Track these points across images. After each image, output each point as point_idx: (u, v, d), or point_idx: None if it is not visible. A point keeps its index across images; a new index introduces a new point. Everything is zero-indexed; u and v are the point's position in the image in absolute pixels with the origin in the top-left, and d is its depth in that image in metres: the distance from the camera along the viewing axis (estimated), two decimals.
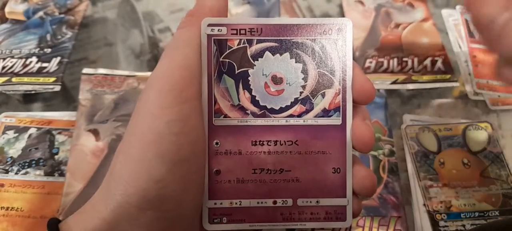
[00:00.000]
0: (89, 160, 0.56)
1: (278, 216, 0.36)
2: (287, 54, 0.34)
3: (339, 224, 0.36)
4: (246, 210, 0.36)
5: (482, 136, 0.58)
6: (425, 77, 0.62)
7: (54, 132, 0.59)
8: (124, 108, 0.60)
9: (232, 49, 0.34)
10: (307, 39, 0.34)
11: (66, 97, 0.63)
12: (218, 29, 0.34)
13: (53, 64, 0.62)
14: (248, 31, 0.34)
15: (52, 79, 0.61)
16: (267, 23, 0.34)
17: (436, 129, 0.59)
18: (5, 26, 0.68)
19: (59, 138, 0.59)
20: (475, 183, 0.54)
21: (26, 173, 0.55)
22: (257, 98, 0.35)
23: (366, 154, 0.56)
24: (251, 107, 0.35)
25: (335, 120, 0.35)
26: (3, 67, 0.62)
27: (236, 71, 0.35)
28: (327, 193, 0.36)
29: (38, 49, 0.64)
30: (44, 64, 0.62)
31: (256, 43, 0.34)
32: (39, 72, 0.62)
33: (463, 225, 0.51)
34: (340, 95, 0.35)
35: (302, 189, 0.36)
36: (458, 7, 0.73)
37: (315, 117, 0.35)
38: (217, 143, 0.35)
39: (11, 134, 0.59)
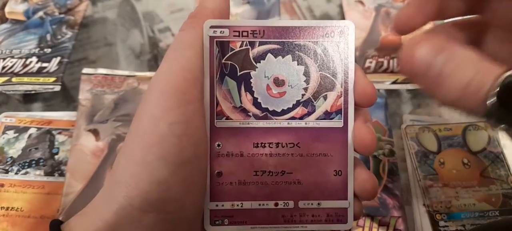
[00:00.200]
0: (89, 160, 0.56)
1: (279, 218, 0.36)
2: (289, 57, 0.34)
3: (340, 227, 0.36)
4: (248, 212, 0.36)
5: (482, 136, 0.58)
6: None
7: (54, 132, 0.59)
8: (124, 108, 0.60)
9: (234, 51, 0.34)
10: (309, 41, 0.34)
11: (66, 97, 0.63)
12: (220, 31, 0.34)
13: (53, 64, 0.62)
14: (250, 33, 0.34)
15: (52, 79, 0.61)
16: (270, 25, 0.34)
17: (436, 129, 0.59)
18: (5, 26, 0.68)
19: (59, 138, 0.59)
20: (475, 183, 0.54)
21: (26, 173, 0.55)
22: (259, 100, 0.35)
23: (367, 156, 0.56)
24: (253, 110, 0.35)
25: (337, 122, 0.35)
26: (3, 67, 0.62)
27: (238, 73, 0.35)
28: (328, 195, 0.36)
29: (38, 49, 0.64)
30: (44, 64, 0.62)
31: (258, 45, 0.34)
32: (39, 72, 0.61)
33: (463, 225, 0.51)
34: (342, 98, 0.35)
35: (304, 191, 0.36)
36: None
37: (317, 119, 0.35)
38: (219, 145, 0.35)
39: (11, 134, 0.59)
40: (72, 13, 0.70)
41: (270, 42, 0.34)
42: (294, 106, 0.35)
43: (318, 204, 0.36)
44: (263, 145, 0.35)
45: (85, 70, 0.63)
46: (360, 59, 0.64)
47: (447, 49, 0.29)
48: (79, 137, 0.57)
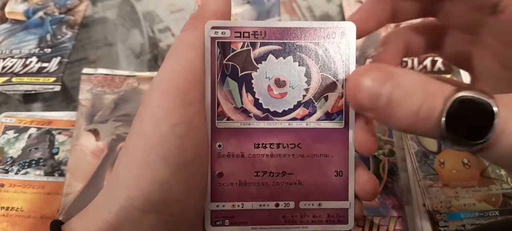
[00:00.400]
0: (89, 160, 0.56)
1: (280, 218, 0.36)
2: (290, 58, 0.34)
3: (341, 227, 0.36)
4: (248, 212, 0.36)
5: None
6: None
7: (54, 132, 0.59)
8: (124, 108, 0.60)
9: (236, 52, 0.34)
10: (311, 42, 0.34)
11: (66, 97, 0.63)
12: (222, 32, 0.34)
13: (53, 64, 0.62)
14: (251, 34, 0.34)
15: (52, 79, 0.61)
16: (271, 26, 0.34)
17: None
18: (5, 26, 0.68)
19: (59, 138, 0.59)
20: (475, 183, 0.54)
21: (26, 173, 0.55)
22: (260, 101, 0.35)
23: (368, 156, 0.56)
24: (254, 110, 0.35)
25: (338, 123, 0.35)
26: (3, 67, 0.62)
27: (240, 74, 0.35)
28: (329, 196, 0.36)
29: (38, 49, 0.64)
30: (44, 64, 0.62)
31: (260, 46, 0.34)
32: (39, 72, 0.61)
33: (463, 225, 0.51)
34: (343, 99, 0.35)
35: (304, 191, 0.36)
36: None
37: (318, 120, 0.35)
38: (220, 146, 0.35)
39: (11, 134, 0.59)
40: (72, 13, 0.70)
41: (271, 43, 0.34)
42: (295, 107, 0.35)
43: (319, 204, 0.36)
44: (264, 145, 0.35)
45: (85, 70, 0.63)
46: (360, 59, 0.64)
47: (393, 77, 0.28)
48: (79, 137, 0.57)
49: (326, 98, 0.35)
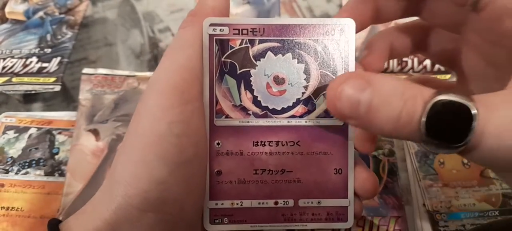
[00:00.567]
0: (89, 160, 0.56)
1: (279, 216, 0.36)
2: (289, 55, 0.34)
3: (340, 225, 0.36)
4: (247, 210, 0.36)
5: None
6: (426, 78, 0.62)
7: (54, 132, 0.59)
8: (124, 108, 0.60)
9: (234, 49, 0.34)
10: (310, 39, 0.34)
11: (66, 97, 0.63)
12: (220, 29, 0.34)
13: (53, 64, 0.62)
14: (250, 31, 0.34)
15: (52, 79, 0.61)
16: (269, 23, 0.34)
17: None
18: (5, 26, 0.68)
19: (59, 138, 0.59)
20: (475, 183, 0.54)
21: (26, 173, 0.55)
22: (259, 98, 0.35)
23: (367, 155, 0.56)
24: (253, 108, 0.35)
25: (337, 121, 0.35)
26: (3, 67, 0.62)
27: (238, 72, 0.34)
28: (328, 194, 0.36)
29: (38, 49, 0.64)
30: (44, 64, 0.62)
31: (258, 43, 0.34)
32: (39, 72, 0.62)
33: (463, 225, 0.51)
34: None
35: (304, 189, 0.36)
36: None
37: (317, 117, 0.35)
38: (218, 143, 0.35)
39: (11, 134, 0.59)
40: (72, 13, 0.70)
41: (270, 40, 0.34)
42: (294, 105, 0.35)
43: (318, 202, 0.36)
44: (263, 143, 0.35)
45: (85, 70, 0.63)
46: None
47: (372, 84, 0.28)
48: (79, 137, 0.57)
49: (325, 96, 0.35)
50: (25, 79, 0.61)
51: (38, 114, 0.61)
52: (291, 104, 0.35)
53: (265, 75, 0.34)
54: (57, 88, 0.60)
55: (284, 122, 0.35)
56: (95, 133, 0.58)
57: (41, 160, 0.56)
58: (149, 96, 0.32)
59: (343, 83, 0.29)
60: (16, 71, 0.62)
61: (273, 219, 0.36)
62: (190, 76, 0.33)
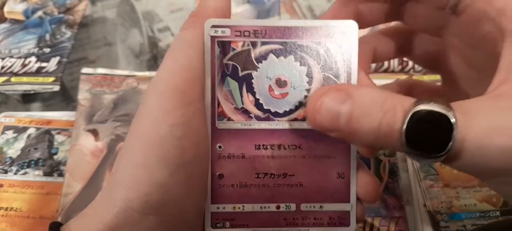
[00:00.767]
0: (88, 160, 0.56)
1: (281, 221, 0.36)
2: (291, 57, 0.34)
3: (342, 230, 0.36)
4: (249, 214, 0.36)
5: None
6: (426, 77, 0.62)
7: (53, 132, 0.59)
8: (124, 108, 0.60)
9: (236, 51, 0.34)
10: (312, 42, 0.34)
11: (65, 97, 0.63)
12: (222, 31, 0.34)
13: (52, 64, 0.62)
14: (252, 33, 0.34)
15: (51, 79, 0.61)
16: (272, 25, 0.34)
17: None
18: (4, 25, 0.68)
19: (58, 138, 0.59)
20: (475, 183, 0.54)
21: (25, 173, 0.55)
22: (261, 101, 0.34)
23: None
24: (255, 111, 0.35)
25: None
26: (2, 67, 0.62)
27: (240, 74, 0.34)
28: (330, 198, 0.35)
29: (37, 49, 0.64)
30: (43, 64, 0.62)
31: (260, 46, 0.34)
32: (38, 72, 0.61)
33: (464, 226, 0.51)
34: None
35: (306, 193, 0.35)
36: None
37: None
38: (220, 147, 0.35)
39: (10, 134, 0.59)
40: (71, 12, 0.70)
41: (272, 43, 0.34)
42: (297, 108, 0.35)
43: (320, 206, 0.36)
44: (265, 146, 0.35)
45: (85, 70, 0.63)
46: None
47: (351, 96, 0.29)
48: (78, 137, 0.57)
49: None
50: (24, 79, 0.61)
51: (37, 114, 0.61)
52: (293, 107, 0.34)
53: (267, 77, 0.34)
54: (56, 88, 0.60)
55: (286, 125, 0.35)
56: (94, 133, 0.58)
57: (40, 160, 0.56)
58: (150, 98, 0.32)
59: (322, 96, 0.29)
60: (15, 71, 0.62)
61: (275, 223, 0.36)
62: (191, 78, 0.33)
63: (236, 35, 0.34)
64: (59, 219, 0.50)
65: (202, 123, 0.34)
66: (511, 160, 0.25)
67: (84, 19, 0.70)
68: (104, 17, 0.72)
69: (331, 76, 0.34)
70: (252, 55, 0.34)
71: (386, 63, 0.63)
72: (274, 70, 0.34)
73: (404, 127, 0.26)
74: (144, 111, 0.32)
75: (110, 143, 0.57)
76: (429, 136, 0.26)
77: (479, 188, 0.54)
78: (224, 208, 0.35)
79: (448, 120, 0.26)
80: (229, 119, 0.35)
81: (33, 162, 0.56)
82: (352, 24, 0.34)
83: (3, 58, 0.63)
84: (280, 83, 0.34)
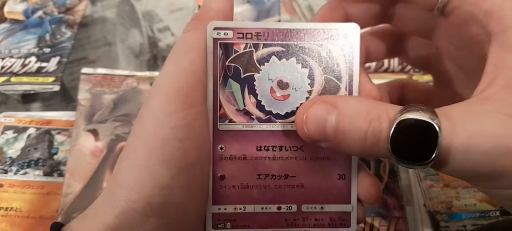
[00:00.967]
0: (88, 160, 0.56)
1: (282, 221, 0.36)
2: (293, 59, 0.34)
3: None
4: (250, 215, 0.36)
5: None
6: (426, 77, 0.62)
7: (53, 132, 0.59)
8: (124, 108, 0.60)
9: (238, 53, 0.34)
10: (314, 44, 0.34)
11: (65, 97, 0.63)
12: (224, 33, 0.34)
13: (52, 64, 0.62)
14: (254, 35, 0.34)
15: (51, 79, 0.61)
16: (274, 28, 0.34)
17: None
18: (4, 25, 0.68)
19: (58, 138, 0.58)
20: None
21: (25, 173, 0.55)
22: (262, 103, 0.34)
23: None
24: (257, 112, 0.35)
25: None
26: (2, 67, 0.62)
27: (242, 76, 0.34)
28: (331, 199, 0.36)
29: (37, 49, 0.64)
30: (43, 64, 0.62)
31: (262, 48, 0.34)
32: (38, 72, 0.61)
33: (464, 226, 0.51)
34: None
35: (307, 194, 0.35)
36: None
37: None
38: (222, 148, 0.35)
39: (10, 134, 0.59)
40: (71, 12, 0.70)
41: (274, 45, 0.34)
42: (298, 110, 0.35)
43: (322, 208, 0.36)
44: (266, 148, 0.35)
45: (85, 70, 0.63)
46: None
47: (337, 106, 0.29)
48: (78, 137, 0.57)
49: None
50: (24, 79, 0.61)
51: (37, 114, 0.61)
52: (295, 109, 0.34)
53: (269, 79, 0.34)
54: (56, 88, 0.60)
55: (288, 127, 0.35)
56: (94, 133, 0.58)
57: (40, 160, 0.56)
58: (153, 100, 0.32)
59: (309, 108, 0.30)
60: (15, 71, 0.61)
61: (276, 224, 0.36)
62: (193, 80, 0.33)
63: (238, 37, 0.34)
64: (59, 219, 0.50)
65: (204, 125, 0.34)
66: (496, 164, 0.26)
67: (84, 19, 0.70)
68: (104, 17, 0.72)
69: (333, 78, 0.34)
70: (254, 57, 0.34)
71: (386, 63, 0.63)
72: (276, 72, 0.34)
73: (390, 135, 0.27)
74: (146, 113, 0.32)
75: (110, 143, 0.57)
76: (415, 144, 0.27)
77: None
78: (225, 209, 0.35)
79: (433, 127, 0.26)
80: (231, 121, 0.35)
81: (33, 162, 0.56)
82: (354, 27, 0.34)
83: (3, 58, 0.63)
84: (282, 85, 0.34)
